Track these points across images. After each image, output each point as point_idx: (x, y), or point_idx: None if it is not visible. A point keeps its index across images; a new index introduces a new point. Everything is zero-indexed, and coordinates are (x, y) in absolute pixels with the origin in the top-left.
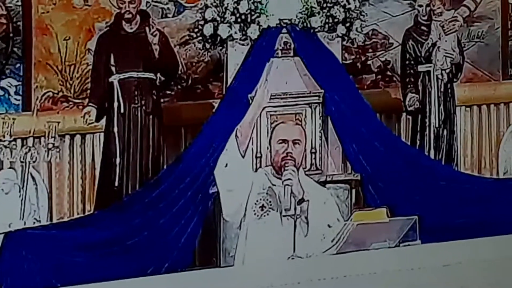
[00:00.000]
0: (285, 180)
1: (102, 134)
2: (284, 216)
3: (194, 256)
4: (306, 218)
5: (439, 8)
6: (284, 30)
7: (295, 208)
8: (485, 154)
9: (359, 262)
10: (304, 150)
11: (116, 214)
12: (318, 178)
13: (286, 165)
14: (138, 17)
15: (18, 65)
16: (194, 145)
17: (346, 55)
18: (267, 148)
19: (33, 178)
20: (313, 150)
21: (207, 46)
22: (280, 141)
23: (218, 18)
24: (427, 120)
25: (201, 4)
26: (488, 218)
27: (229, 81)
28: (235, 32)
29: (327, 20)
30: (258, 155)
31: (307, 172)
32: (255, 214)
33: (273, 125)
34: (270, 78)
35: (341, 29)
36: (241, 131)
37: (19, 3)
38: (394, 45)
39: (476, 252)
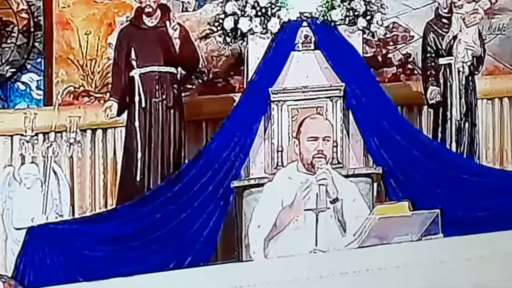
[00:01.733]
0: (319, 180)
1: (123, 128)
2: (306, 210)
3: (216, 250)
4: (342, 216)
5: (459, 0)
6: (304, 24)
7: (316, 203)
8: (507, 146)
9: (381, 256)
10: (333, 144)
11: (138, 208)
12: (340, 172)
13: (320, 164)
14: (158, 11)
15: (39, 59)
16: (216, 139)
17: (366, 48)
18: (294, 143)
19: (55, 172)
20: (334, 144)
21: (228, 40)
22: (311, 138)
23: (239, 12)
24: (448, 113)
25: None
26: (510, 211)
27: (250, 74)
28: (256, 26)
29: (347, 13)
30: (280, 149)
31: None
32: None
33: (300, 119)
34: (290, 71)
35: (361, 22)
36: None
37: None
38: (415, 38)
39: (498, 245)
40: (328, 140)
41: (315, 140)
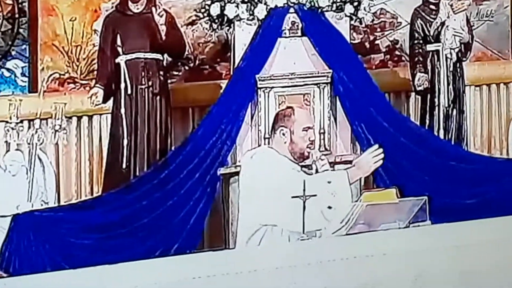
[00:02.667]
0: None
1: (109, 115)
2: (293, 197)
3: (203, 237)
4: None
5: None
6: (291, 10)
7: (304, 190)
8: (495, 133)
9: (369, 243)
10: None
11: (124, 195)
12: (327, 158)
13: (317, 154)
14: None
15: (24, 46)
16: (202, 126)
17: (354, 34)
18: (281, 132)
19: (40, 160)
20: (322, 131)
21: (214, 26)
22: (306, 128)
23: None
24: (436, 100)
25: None
26: (498, 198)
27: (237, 61)
28: (242, 12)
29: (334, 0)
30: (267, 136)
31: None
32: None
33: (289, 109)
34: (277, 58)
35: (349, 9)
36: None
37: None
38: (403, 24)
39: (486, 232)
40: (313, 129)
41: (307, 130)
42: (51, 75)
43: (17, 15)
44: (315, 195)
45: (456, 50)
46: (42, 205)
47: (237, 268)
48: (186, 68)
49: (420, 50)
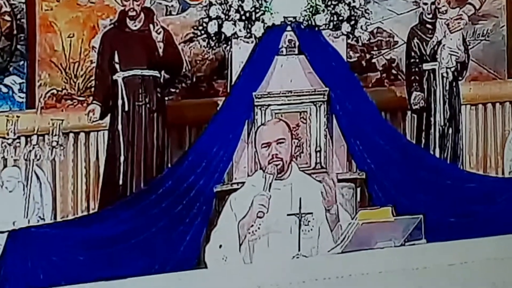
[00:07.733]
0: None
1: (106, 132)
2: (289, 215)
3: (199, 254)
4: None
5: (444, 6)
6: (288, 28)
7: (299, 207)
8: (490, 152)
9: (364, 261)
10: (292, 145)
11: (120, 212)
12: (323, 176)
13: (270, 169)
14: (142, 14)
15: (22, 62)
16: (198, 143)
17: (351, 53)
18: (254, 152)
19: (37, 176)
20: (318, 149)
21: (212, 43)
22: (264, 145)
23: (223, 16)
24: (432, 118)
25: (205, 1)
26: (493, 217)
27: (234, 79)
28: (240, 30)
29: (331, 18)
30: None
31: (312, 171)
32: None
33: (254, 129)
34: (274, 76)
35: (345, 27)
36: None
37: (23, 0)
38: (399, 43)
39: (481, 251)
40: (283, 142)
41: (268, 146)
42: (48, 91)
43: (15, 32)
44: (311, 213)
45: (452, 69)
46: (38, 221)
47: (233, 285)
48: (183, 85)
49: (417, 69)
